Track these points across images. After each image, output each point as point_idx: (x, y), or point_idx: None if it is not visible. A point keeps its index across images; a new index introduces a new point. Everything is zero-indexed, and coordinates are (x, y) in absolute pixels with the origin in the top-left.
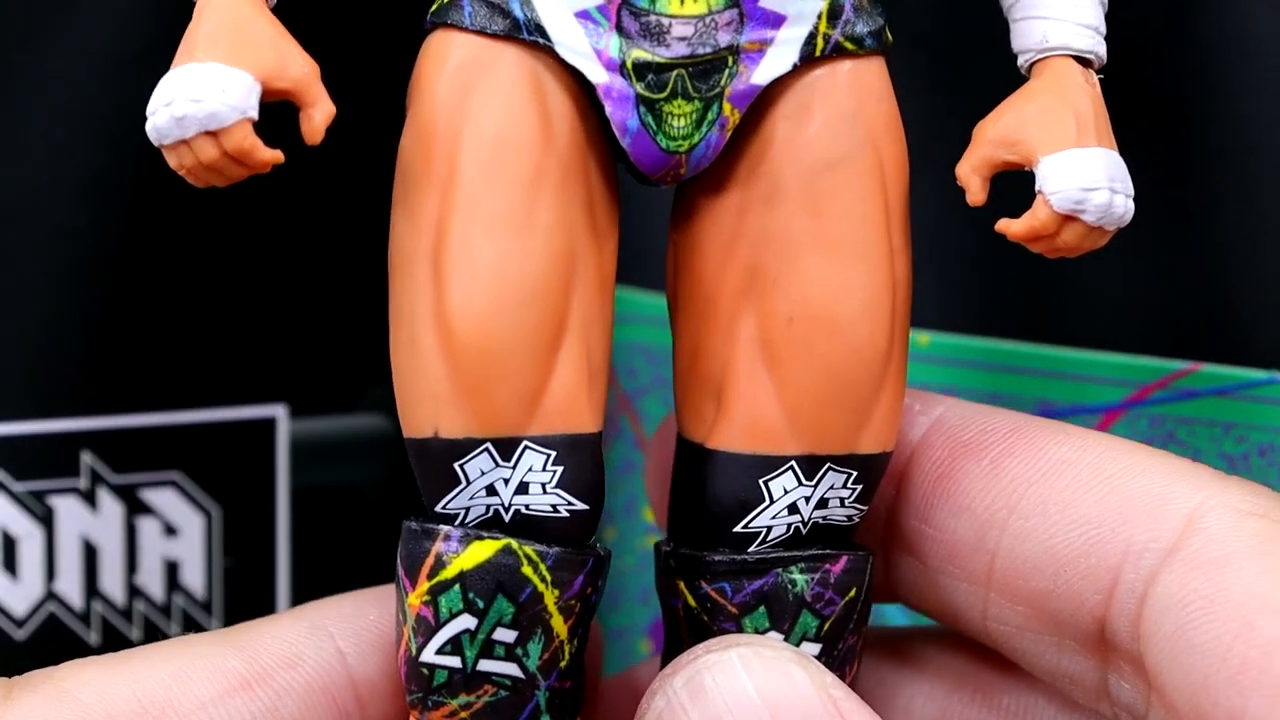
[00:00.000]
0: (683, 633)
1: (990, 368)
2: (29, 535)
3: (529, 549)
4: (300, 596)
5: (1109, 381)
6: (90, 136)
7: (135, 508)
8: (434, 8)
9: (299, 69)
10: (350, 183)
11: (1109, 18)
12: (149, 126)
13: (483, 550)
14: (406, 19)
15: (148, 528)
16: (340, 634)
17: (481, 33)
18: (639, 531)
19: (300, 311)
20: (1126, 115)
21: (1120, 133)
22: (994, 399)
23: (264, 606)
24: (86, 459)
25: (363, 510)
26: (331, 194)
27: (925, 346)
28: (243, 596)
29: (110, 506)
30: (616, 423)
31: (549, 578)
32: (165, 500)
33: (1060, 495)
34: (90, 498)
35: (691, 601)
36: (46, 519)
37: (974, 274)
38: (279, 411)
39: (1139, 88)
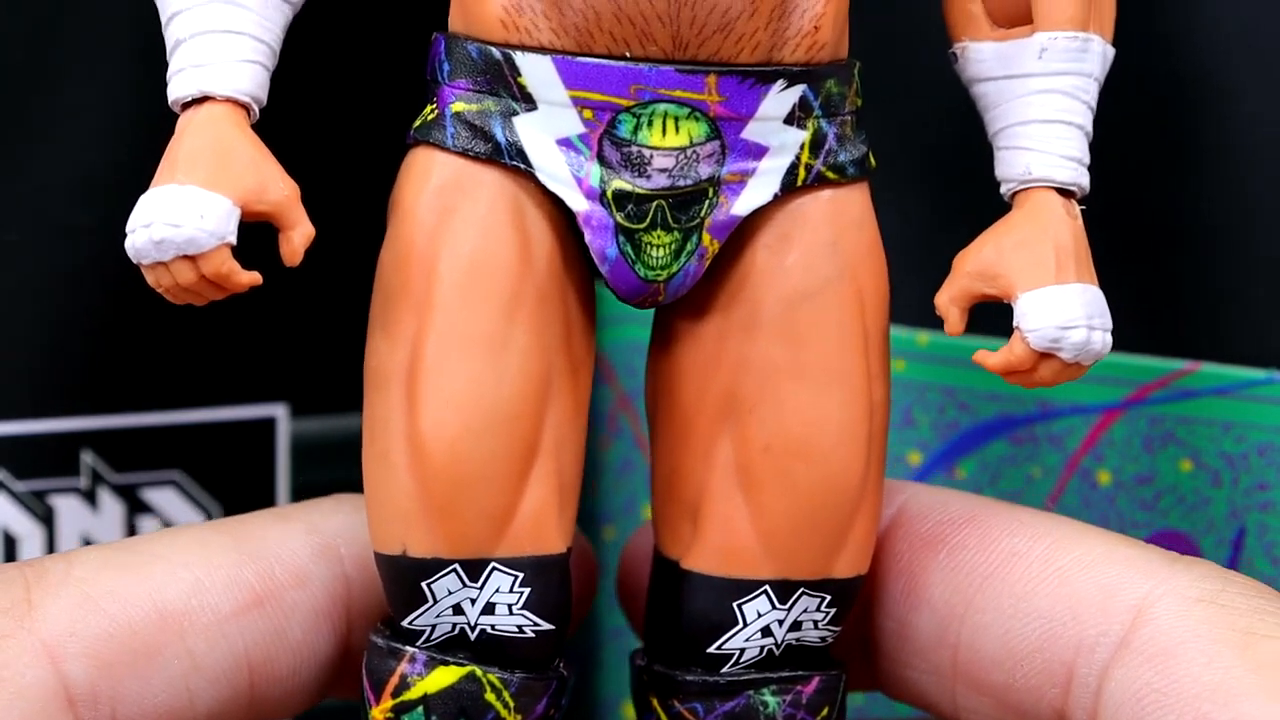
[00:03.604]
0: None
1: None
2: (29, 535)
3: (493, 676)
4: None
5: (1109, 381)
6: (92, 135)
7: (136, 507)
8: (417, 123)
9: (279, 192)
10: (351, 182)
11: (1118, 5)
12: (128, 244)
13: (447, 676)
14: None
15: (148, 527)
16: (348, 557)
17: (463, 154)
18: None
19: (300, 311)
20: (1128, 114)
21: (1121, 130)
22: (994, 398)
23: None
24: (87, 458)
25: None
26: (332, 193)
27: (925, 346)
28: None
29: (111, 506)
30: (617, 422)
31: (512, 704)
32: (166, 500)
33: (1013, 589)
34: (91, 497)
35: (665, 718)
36: (47, 518)
37: None
38: (279, 411)
39: (1140, 86)
